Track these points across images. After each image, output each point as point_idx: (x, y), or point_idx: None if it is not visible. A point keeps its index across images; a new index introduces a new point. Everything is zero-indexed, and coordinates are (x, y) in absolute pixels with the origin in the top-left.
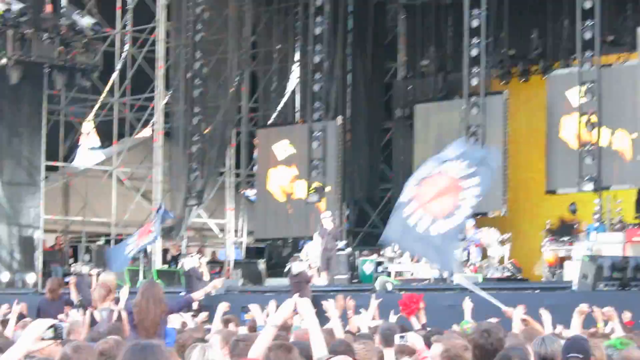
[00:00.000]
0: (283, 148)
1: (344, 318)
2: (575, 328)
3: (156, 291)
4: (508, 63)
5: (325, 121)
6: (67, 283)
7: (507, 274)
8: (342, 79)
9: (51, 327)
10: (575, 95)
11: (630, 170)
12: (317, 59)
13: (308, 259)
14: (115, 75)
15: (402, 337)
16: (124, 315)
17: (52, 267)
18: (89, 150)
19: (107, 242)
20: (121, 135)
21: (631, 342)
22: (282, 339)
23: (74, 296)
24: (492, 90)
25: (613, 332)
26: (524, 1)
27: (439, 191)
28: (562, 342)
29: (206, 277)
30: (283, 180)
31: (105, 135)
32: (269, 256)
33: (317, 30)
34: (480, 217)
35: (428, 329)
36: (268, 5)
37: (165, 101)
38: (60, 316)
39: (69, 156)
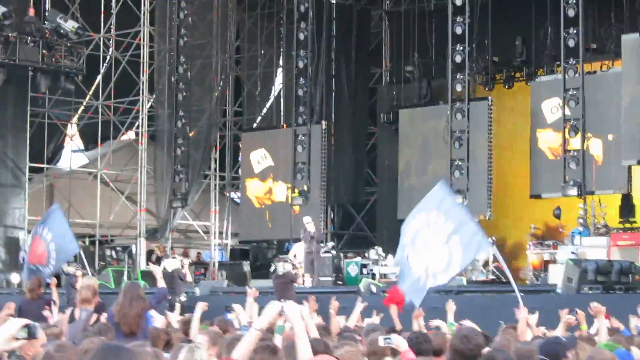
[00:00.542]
0: (259, 158)
1: (326, 319)
2: (559, 331)
3: (136, 289)
4: (492, 69)
5: (310, 125)
6: (48, 284)
7: (491, 277)
8: (326, 83)
9: (25, 326)
10: (551, 108)
11: (614, 176)
12: (301, 64)
13: (296, 259)
14: (99, 79)
15: (386, 338)
16: (103, 319)
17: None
18: (72, 153)
19: (92, 242)
20: (106, 138)
21: (619, 345)
22: (266, 340)
23: (55, 296)
24: (477, 96)
25: (597, 333)
26: (508, 8)
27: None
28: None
29: (189, 278)
30: (259, 192)
31: (90, 138)
32: (254, 258)
33: (301, 36)
34: None
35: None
36: (252, 11)
37: (149, 104)
38: (46, 313)
39: (53, 158)
